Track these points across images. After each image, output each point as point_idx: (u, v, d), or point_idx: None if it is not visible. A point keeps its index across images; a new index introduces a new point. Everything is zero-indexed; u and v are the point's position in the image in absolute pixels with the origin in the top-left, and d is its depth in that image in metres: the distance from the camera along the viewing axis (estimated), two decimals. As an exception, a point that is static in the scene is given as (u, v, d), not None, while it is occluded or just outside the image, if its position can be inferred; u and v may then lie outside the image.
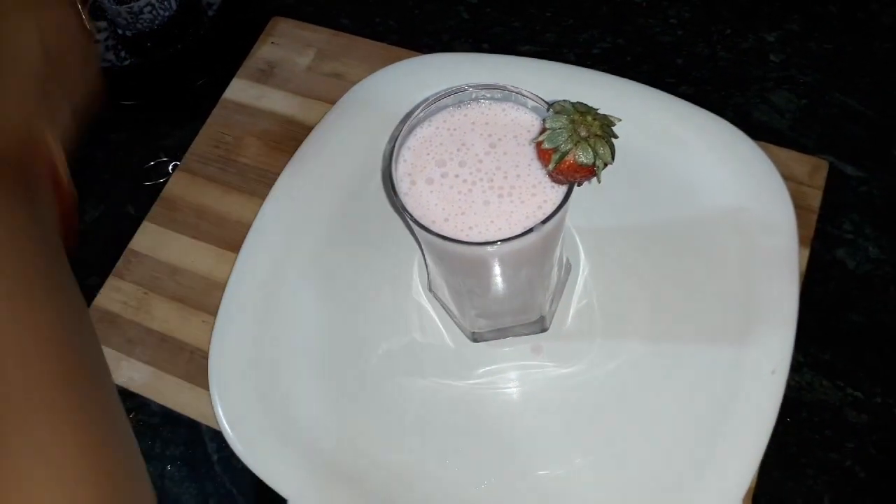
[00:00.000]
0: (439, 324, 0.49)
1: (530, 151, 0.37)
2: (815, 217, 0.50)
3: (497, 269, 0.39)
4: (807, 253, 0.49)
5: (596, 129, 0.32)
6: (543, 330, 0.48)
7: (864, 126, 0.54)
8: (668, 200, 0.51)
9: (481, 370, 0.48)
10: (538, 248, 0.38)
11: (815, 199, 0.51)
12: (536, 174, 0.37)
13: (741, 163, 0.50)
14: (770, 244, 0.48)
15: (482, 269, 0.39)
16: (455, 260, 0.39)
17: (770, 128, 0.55)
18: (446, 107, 0.39)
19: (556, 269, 0.45)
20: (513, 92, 0.38)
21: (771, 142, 0.53)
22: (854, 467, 0.45)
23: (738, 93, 0.56)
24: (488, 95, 0.39)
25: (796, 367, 0.46)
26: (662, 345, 0.47)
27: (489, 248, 0.36)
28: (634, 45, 0.59)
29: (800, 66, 0.57)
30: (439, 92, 0.38)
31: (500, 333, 0.48)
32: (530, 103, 0.38)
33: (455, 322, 0.48)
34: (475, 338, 0.48)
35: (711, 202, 0.50)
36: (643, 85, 0.53)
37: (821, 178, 0.51)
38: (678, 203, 0.50)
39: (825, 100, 0.55)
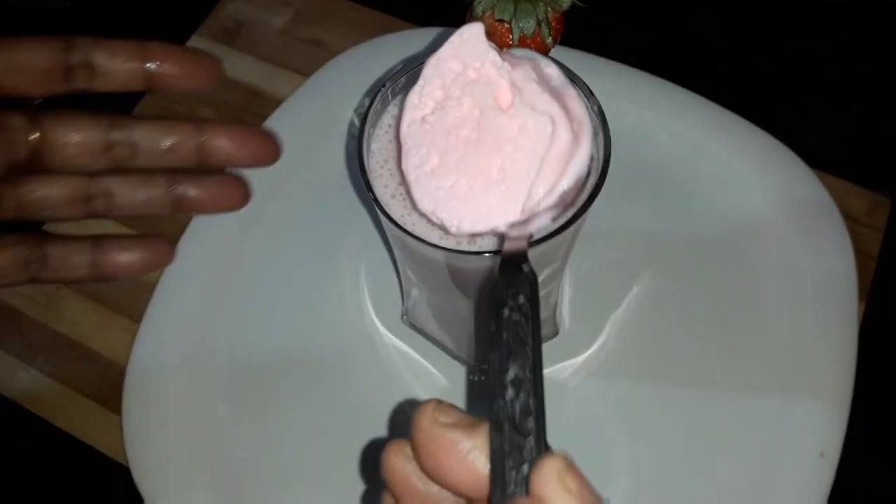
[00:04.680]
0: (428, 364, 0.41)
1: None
2: (873, 265, 0.43)
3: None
4: (862, 308, 0.41)
5: None
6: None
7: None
8: (706, 232, 0.44)
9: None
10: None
11: (875, 242, 0.44)
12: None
13: (794, 195, 0.43)
14: (825, 297, 0.41)
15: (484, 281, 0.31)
16: (455, 272, 0.30)
17: (816, 152, 0.46)
18: None
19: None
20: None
21: (818, 169, 0.45)
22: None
23: (779, 108, 0.49)
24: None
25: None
26: (697, 414, 0.39)
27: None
28: (664, 44, 0.51)
29: (854, 83, 0.49)
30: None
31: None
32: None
33: (450, 355, 0.41)
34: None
35: (756, 236, 0.43)
36: (684, 89, 0.46)
37: (881, 219, 0.44)
38: (717, 235, 0.43)
39: (883, 125, 0.48)
